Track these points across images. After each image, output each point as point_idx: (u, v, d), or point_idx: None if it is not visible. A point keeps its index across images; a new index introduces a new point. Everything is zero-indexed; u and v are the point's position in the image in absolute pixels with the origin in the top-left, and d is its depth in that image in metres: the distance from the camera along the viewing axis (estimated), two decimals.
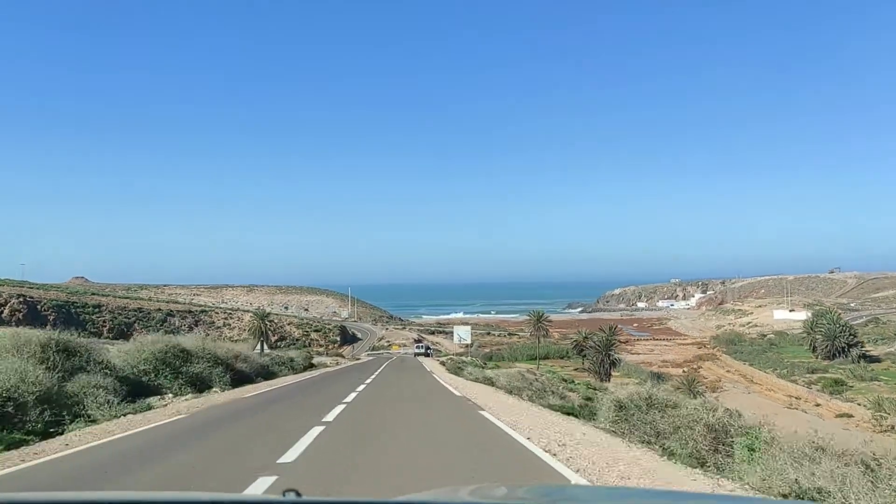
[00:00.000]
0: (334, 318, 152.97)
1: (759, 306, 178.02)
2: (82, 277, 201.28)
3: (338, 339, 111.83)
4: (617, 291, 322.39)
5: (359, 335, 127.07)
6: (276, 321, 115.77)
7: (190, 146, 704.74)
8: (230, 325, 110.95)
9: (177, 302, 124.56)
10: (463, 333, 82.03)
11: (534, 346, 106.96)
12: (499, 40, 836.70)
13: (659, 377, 75.26)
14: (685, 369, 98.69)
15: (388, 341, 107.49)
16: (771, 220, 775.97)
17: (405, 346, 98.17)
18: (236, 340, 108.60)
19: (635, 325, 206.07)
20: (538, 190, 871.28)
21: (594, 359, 69.82)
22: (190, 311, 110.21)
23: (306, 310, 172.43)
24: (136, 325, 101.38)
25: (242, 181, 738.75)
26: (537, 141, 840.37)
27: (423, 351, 73.75)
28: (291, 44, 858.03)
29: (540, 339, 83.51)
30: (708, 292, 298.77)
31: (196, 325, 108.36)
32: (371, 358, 66.48)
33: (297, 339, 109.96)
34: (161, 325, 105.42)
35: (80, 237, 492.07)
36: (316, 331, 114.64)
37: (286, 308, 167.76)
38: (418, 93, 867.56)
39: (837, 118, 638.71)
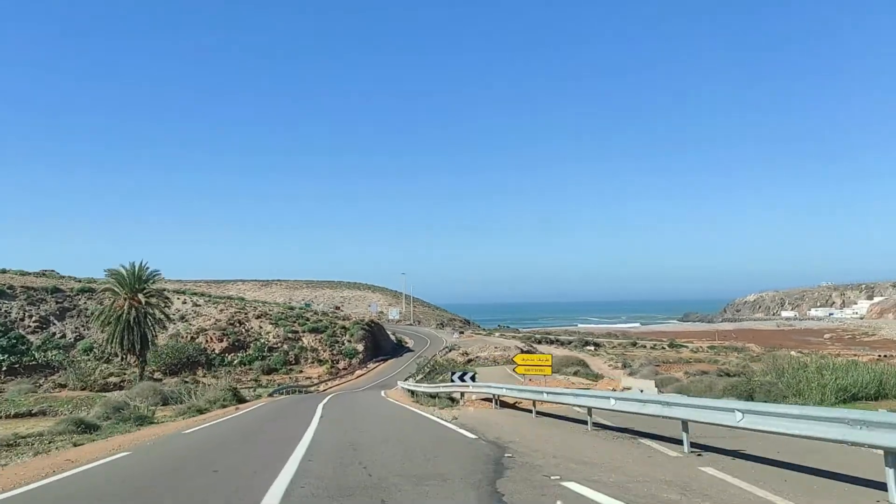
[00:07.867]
0: (380, 321, 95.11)
1: None
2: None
3: (358, 347, 54.67)
4: (751, 298, 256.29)
5: (408, 342, 69.69)
6: (225, 311, 58.69)
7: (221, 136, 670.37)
8: None
9: (45, 276, 69.70)
10: None
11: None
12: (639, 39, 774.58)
13: None
14: None
15: (466, 352, 48.82)
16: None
17: (509, 363, 39.27)
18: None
19: (828, 335, 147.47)
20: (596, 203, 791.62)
21: None
22: (56, 290, 55.98)
23: (338, 307, 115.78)
24: None
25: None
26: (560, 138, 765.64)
27: None
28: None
29: None
30: (876, 298, 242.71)
31: (63, 316, 53.23)
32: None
33: (271, 348, 53.03)
34: None
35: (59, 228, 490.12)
36: (314, 331, 57.40)
37: (308, 305, 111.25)
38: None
39: None
